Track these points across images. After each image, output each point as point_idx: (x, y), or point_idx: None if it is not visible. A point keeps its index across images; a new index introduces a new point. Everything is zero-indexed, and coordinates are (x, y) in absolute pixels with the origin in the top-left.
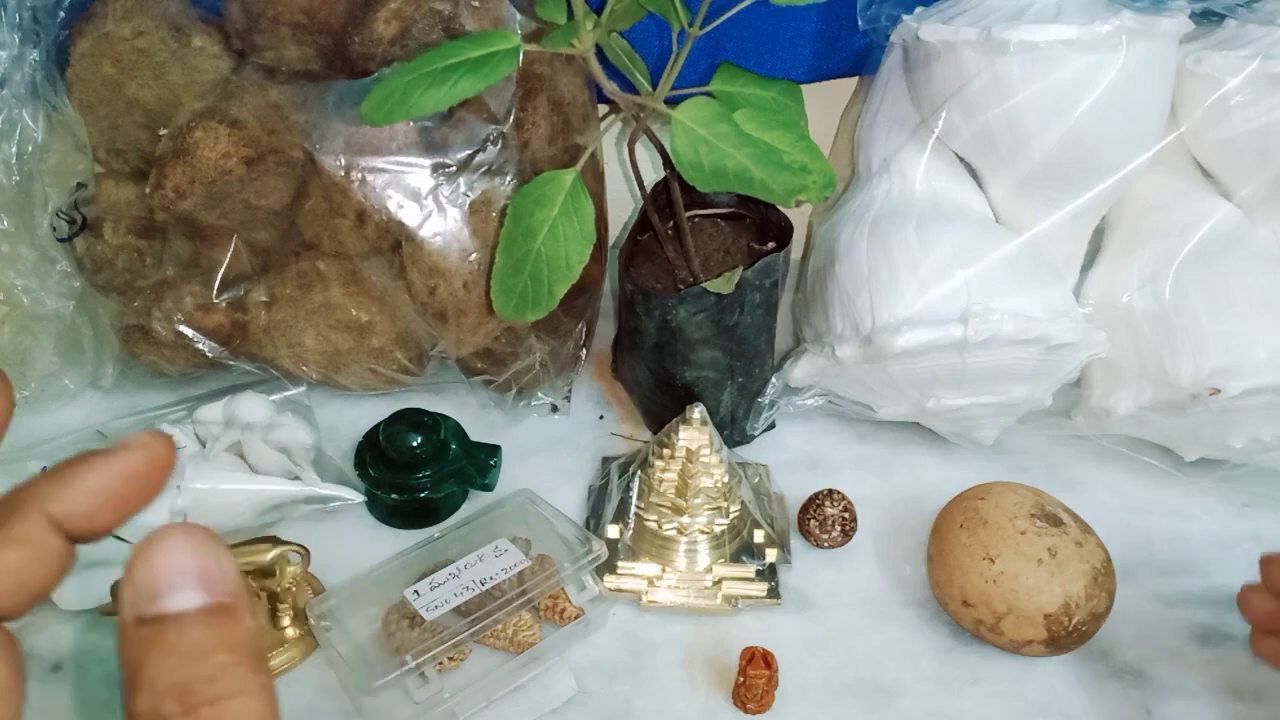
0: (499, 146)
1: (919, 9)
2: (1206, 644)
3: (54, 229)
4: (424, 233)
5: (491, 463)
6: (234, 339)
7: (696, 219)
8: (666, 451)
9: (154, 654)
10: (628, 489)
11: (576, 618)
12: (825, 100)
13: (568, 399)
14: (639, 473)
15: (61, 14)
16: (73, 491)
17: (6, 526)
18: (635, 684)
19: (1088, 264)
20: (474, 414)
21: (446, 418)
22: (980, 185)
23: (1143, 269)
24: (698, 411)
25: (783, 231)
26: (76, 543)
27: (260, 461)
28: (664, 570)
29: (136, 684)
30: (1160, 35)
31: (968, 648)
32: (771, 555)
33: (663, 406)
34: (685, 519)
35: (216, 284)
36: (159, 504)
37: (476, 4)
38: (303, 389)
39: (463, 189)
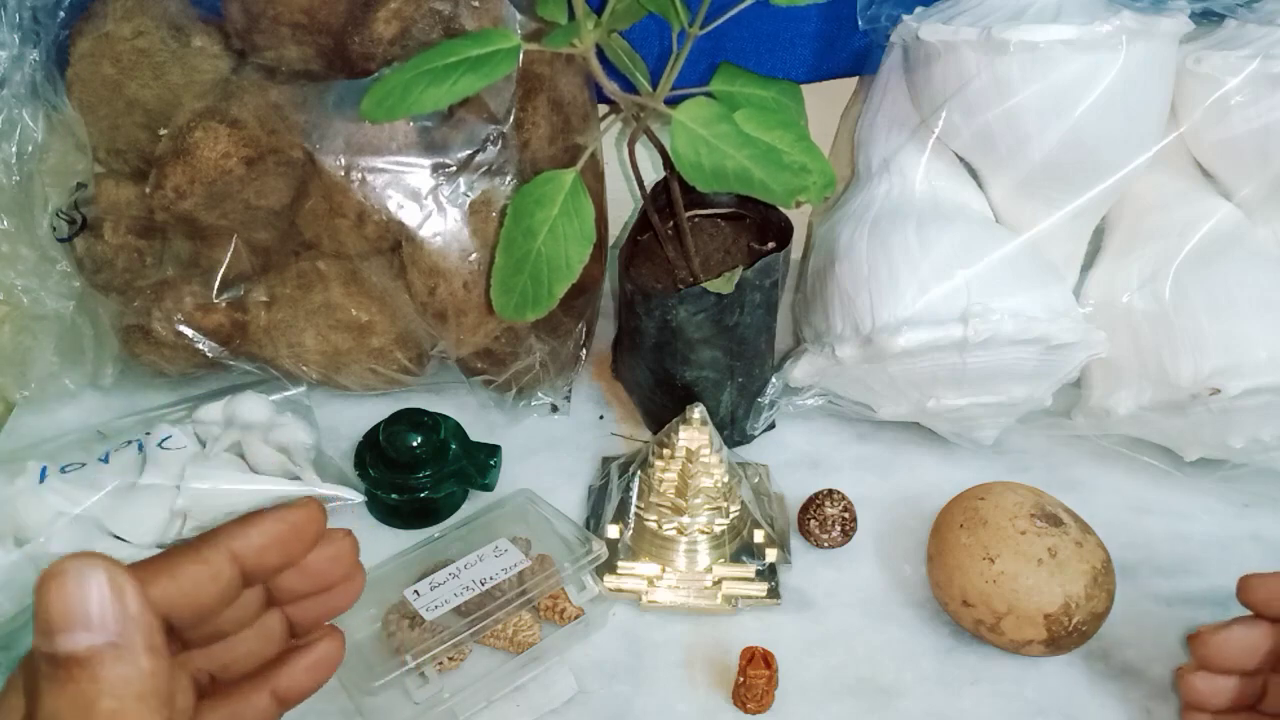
0: (499, 146)
1: (919, 9)
2: None
3: (54, 229)
4: (424, 233)
5: (491, 463)
6: (234, 339)
7: (696, 219)
8: (666, 451)
9: (47, 690)
10: (628, 489)
11: (576, 618)
12: (825, 100)
13: (568, 399)
14: (639, 473)
15: (61, 14)
16: (251, 532)
17: (197, 549)
18: (635, 684)
19: (1088, 264)
20: (474, 414)
21: (446, 418)
22: (980, 185)
23: (1143, 269)
24: (698, 411)
25: (783, 231)
26: (248, 583)
27: (260, 461)
28: (664, 570)
29: (33, 714)
30: (1160, 35)
31: (968, 648)
32: (771, 555)
33: (663, 406)
34: (685, 519)
35: (216, 284)
36: (158, 503)
37: (476, 4)
38: (303, 389)
39: (463, 189)
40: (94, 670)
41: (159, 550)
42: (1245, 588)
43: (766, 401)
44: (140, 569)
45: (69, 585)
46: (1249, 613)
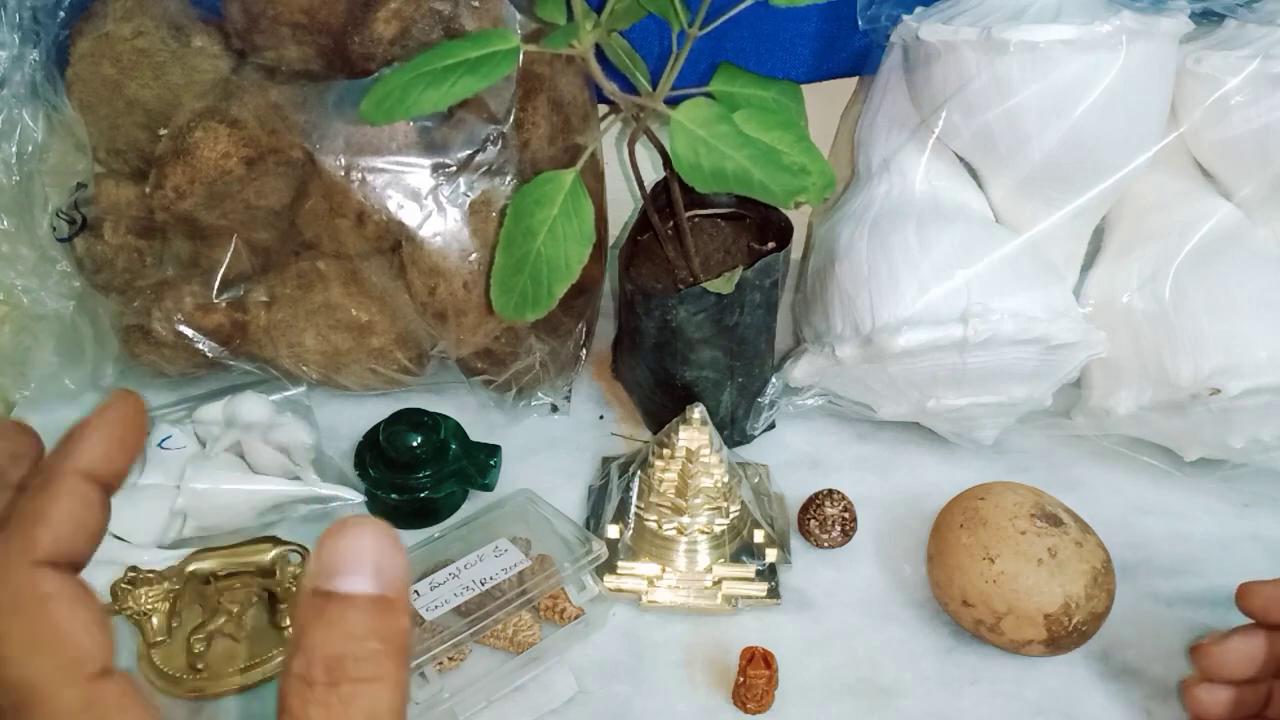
0: (499, 146)
1: (919, 9)
2: None
3: (54, 229)
4: (424, 233)
5: (491, 463)
6: (234, 339)
7: (696, 219)
8: (666, 451)
9: (319, 624)
10: (628, 489)
11: (576, 618)
12: (825, 100)
13: (568, 399)
14: (639, 473)
15: (61, 14)
16: (88, 446)
17: (50, 487)
18: (635, 684)
19: (1088, 264)
20: (474, 414)
21: (446, 418)
22: (980, 185)
23: (1143, 269)
24: (698, 411)
25: (783, 231)
26: (108, 491)
27: (260, 461)
28: (664, 570)
29: (298, 645)
30: (1160, 35)
31: (968, 648)
32: (771, 555)
33: (663, 406)
34: (685, 519)
35: (216, 284)
36: (158, 503)
37: (476, 4)
38: (303, 389)
39: (463, 189)
40: (366, 614)
41: (158, 550)
42: (1243, 595)
43: (766, 401)
44: (15, 535)
45: (357, 536)
46: (1249, 621)
